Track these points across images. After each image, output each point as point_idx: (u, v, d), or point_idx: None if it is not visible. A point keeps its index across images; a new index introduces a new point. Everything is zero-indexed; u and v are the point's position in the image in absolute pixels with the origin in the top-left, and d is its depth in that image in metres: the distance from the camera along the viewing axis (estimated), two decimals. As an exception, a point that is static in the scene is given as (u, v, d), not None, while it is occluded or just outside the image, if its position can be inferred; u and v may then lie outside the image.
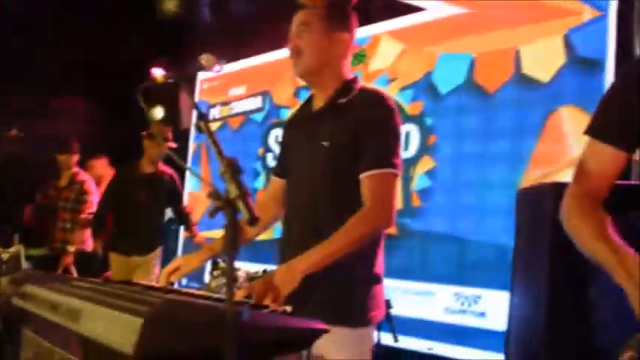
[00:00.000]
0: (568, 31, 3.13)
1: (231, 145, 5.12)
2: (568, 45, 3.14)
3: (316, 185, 1.87)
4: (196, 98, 5.67)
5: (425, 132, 3.76)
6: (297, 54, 1.86)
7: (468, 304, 3.46)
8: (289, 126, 2.11)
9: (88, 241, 4.52)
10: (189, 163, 5.55)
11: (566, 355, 2.15)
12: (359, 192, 1.78)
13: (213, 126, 5.47)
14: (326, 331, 1.47)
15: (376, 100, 1.85)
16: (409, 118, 3.83)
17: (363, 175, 1.77)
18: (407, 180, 3.82)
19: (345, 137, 1.80)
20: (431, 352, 3.54)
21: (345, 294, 1.75)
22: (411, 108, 3.83)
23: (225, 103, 5.41)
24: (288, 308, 1.51)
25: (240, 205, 1.11)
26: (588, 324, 2.06)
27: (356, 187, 1.80)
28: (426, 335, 3.58)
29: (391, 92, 3.94)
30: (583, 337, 2.09)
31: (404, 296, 3.74)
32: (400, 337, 3.55)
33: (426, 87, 3.77)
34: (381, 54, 4.05)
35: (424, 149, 3.76)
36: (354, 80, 1.91)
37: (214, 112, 5.50)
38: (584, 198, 1.34)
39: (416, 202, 3.77)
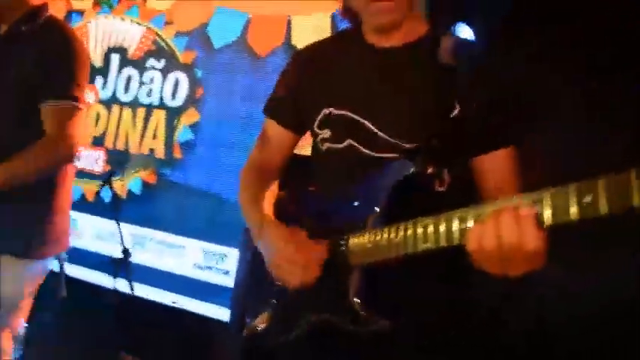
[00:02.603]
0: (336, 11, 3.18)
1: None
2: (334, 26, 3.20)
3: (3, 118, 1.80)
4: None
5: (194, 83, 3.63)
6: None
7: (215, 262, 3.48)
8: None
9: None
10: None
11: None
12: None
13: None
14: None
15: (59, 30, 1.80)
16: (181, 66, 3.67)
17: (42, 106, 1.74)
18: (171, 130, 3.69)
19: (27, 67, 1.74)
20: (174, 305, 3.52)
21: (15, 225, 1.73)
22: (183, 56, 3.67)
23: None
24: None
25: None
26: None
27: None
28: (172, 288, 3.56)
29: (167, 36, 3.73)
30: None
31: (156, 247, 3.67)
32: (146, 288, 3.51)
33: (200, 37, 3.62)
34: (162, -7, 3.80)
35: (191, 101, 3.64)
36: (42, 8, 1.83)
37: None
38: (254, 166, 1.46)
39: (177, 153, 3.66)
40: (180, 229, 3.60)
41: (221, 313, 3.27)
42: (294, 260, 1.17)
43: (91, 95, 3.95)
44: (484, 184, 1.19)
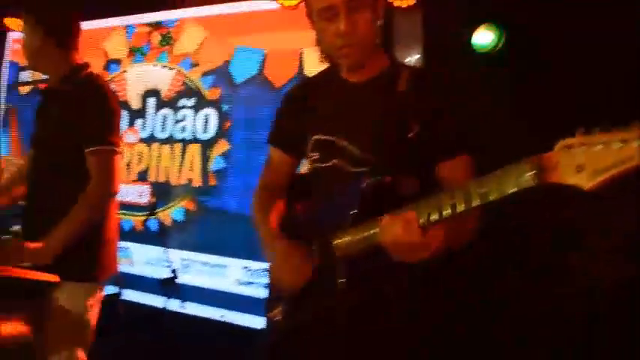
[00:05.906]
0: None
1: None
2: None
3: (48, 164, 2.12)
4: (7, 58, 5.42)
5: (222, 117, 4.00)
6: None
7: (256, 277, 3.80)
8: (38, 100, 2.29)
9: None
10: (-3, 126, 5.33)
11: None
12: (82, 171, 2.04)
13: (24, 90, 5.28)
14: (55, 283, 1.85)
15: (94, 85, 2.11)
16: (209, 103, 4.05)
17: (86, 151, 2.03)
18: (205, 160, 4.06)
19: (69, 119, 2.05)
20: (223, 319, 3.84)
21: (74, 255, 2.02)
22: (210, 93, 4.05)
23: (37, 67, 5.21)
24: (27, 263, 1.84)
25: None
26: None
27: (80, 166, 2.04)
28: (219, 304, 3.89)
29: (194, 76, 4.12)
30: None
31: (200, 268, 4.00)
32: (194, 306, 3.83)
33: (223, 75, 4.00)
34: (187, 38, 4.19)
35: (221, 133, 4.00)
36: (83, 66, 2.18)
37: (24, 75, 5.29)
38: (262, 189, 1.72)
39: (212, 181, 4.02)
40: (220, 249, 3.94)
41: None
42: (285, 267, 1.48)
43: (132, 136, 4.37)
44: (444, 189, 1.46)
